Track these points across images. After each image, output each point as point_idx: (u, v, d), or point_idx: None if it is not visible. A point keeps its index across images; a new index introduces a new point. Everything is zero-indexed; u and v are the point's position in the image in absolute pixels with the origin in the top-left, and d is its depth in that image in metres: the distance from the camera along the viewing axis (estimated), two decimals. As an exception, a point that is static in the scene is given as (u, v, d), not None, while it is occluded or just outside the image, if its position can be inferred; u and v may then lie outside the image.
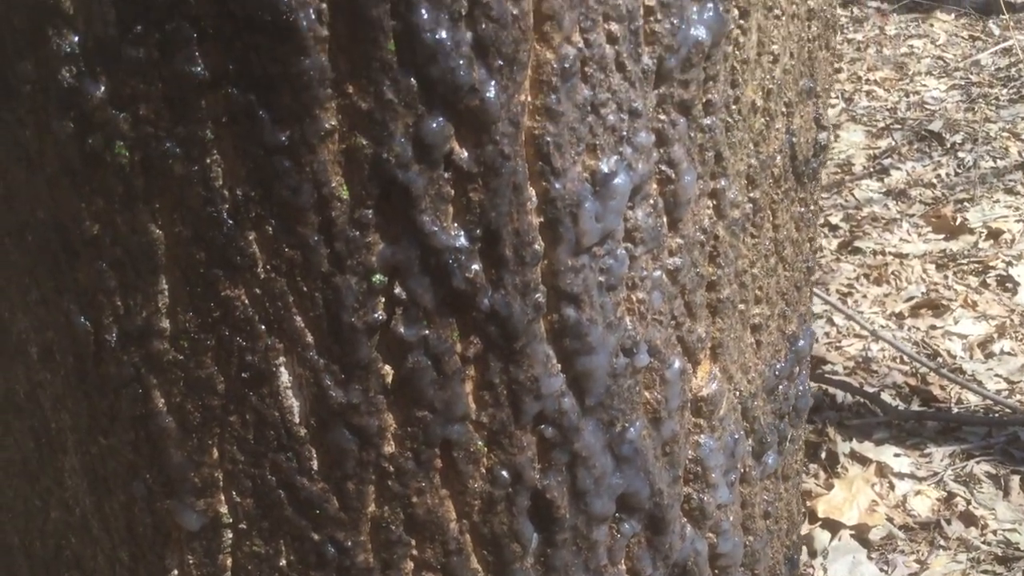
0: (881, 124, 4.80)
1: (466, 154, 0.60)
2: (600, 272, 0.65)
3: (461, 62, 0.58)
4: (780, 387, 0.83)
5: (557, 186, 0.62)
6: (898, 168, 4.40)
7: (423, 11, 0.56)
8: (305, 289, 0.60)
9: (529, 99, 0.61)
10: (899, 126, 4.70)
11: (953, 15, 5.73)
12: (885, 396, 3.12)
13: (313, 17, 0.56)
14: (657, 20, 0.64)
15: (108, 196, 0.59)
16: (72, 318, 0.63)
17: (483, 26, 0.58)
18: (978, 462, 2.37)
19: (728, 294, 0.74)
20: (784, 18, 0.73)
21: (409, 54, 0.57)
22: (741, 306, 0.76)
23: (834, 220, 4.10)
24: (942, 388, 3.18)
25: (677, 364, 0.71)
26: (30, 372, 0.68)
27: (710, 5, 0.66)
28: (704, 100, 0.68)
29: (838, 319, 3.42)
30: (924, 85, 5.04)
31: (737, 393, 0.78)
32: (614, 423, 0.68)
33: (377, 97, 0.57)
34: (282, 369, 0.62)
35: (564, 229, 0.63)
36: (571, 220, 0.63)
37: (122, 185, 0.59)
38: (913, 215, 4.05)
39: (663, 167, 0.67)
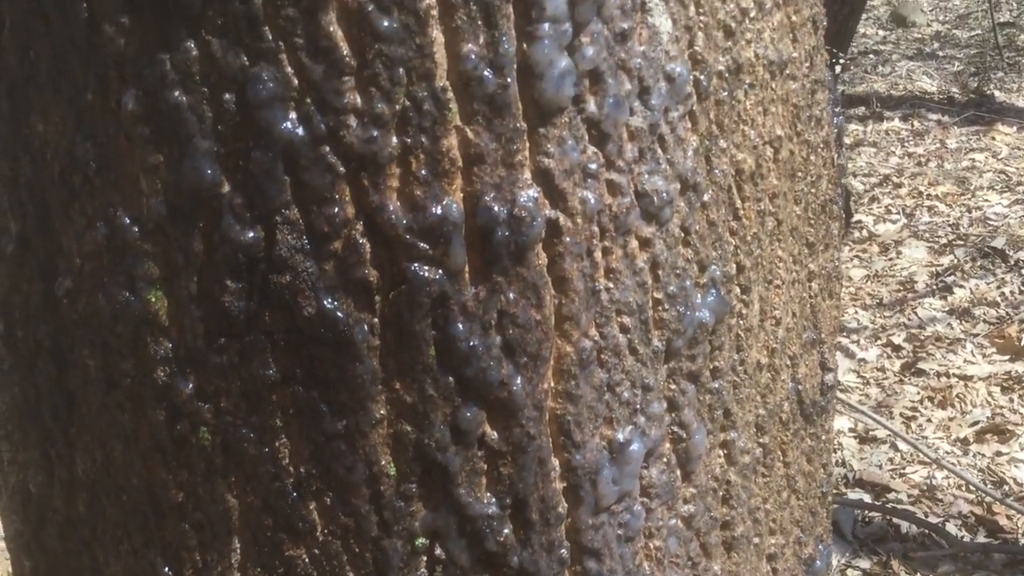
0: (943, 240, 4.82)
1: (496, 435, 0.69)
2: (619, 527, 0.74)
3: (492, 363, 0.67)
4: (800, 602, 0.89)
5: (578, 457, 0.71)
6: (961, 286, 4.40)
7: (459, 324, 0.66)
8: (357, 550, 0.70)
9: (552, 385, 0.70)
10: (962, 242, 4.71)
11: (1015, 128, 5.75)
12: (950, 527, 3.10)
13: (366, 330, 0.66)
14: (665, 309, 0.73)
15: (192, 470, 0.70)
16: (157, 568, 0.73)
17: (510, 331, 0.68)
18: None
19: (742, 531, 0.82)
20: (784, 286, 0.82)
21: (447, 358, 0.67)
22: (756, 539, 0.83)
23: (897, 340, 4.11)
24: (1009, 519, 3.15)
25: (694, 598, 0.79)
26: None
27: (713, 291, 0.75)
28: (711, 367, 0.77)
29: (902, 444, 3.41)
30: (986, 200, 5.06)
31: (755, 615, 0.85)
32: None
33: (420, 392, 0.67)
34: (337, 619, 0.71)
35: (585, 493, 0.72)
36: (591, 485, 0.72)
37: (204, 462, 0.69)
38: (977, 335, 4.05)
39: (675, 428, 0.76)
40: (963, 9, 8.35)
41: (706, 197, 0.74)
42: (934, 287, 4.49)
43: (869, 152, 5.79)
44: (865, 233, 4.96)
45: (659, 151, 0.71)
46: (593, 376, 0.71)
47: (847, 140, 5.94)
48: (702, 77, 0.72)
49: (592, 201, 0.68)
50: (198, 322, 0.67)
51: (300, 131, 0.63)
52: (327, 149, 0.64)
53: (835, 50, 5.74)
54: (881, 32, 8.02)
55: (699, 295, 0.75)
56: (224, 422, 0.68)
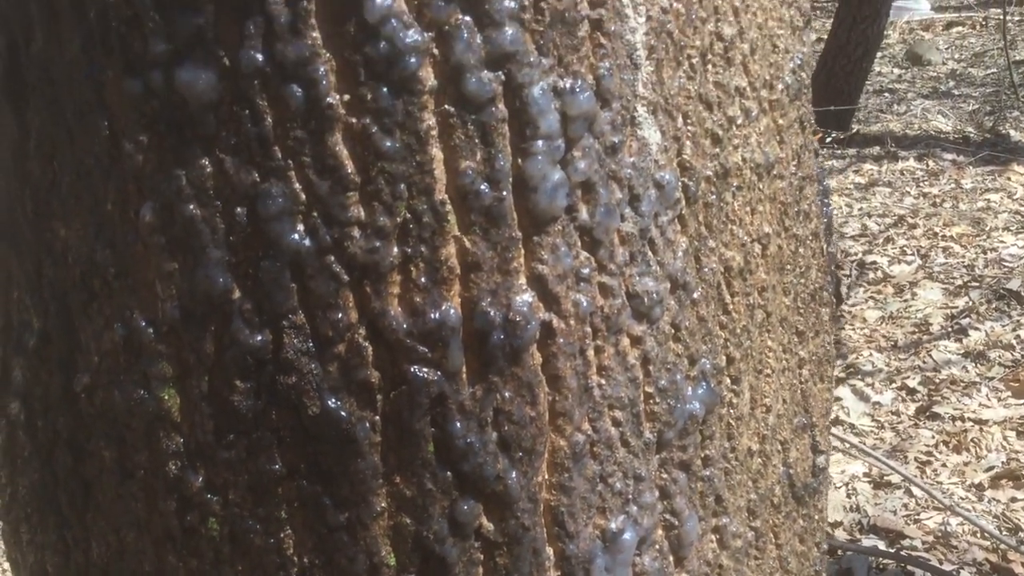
0: (958, 282, 4.82)
1: (493, 527, 0.72)
2: (612, 613, 0.76)
3: (488, 458, 0.71)
4: None
5: (572, 547, 0.74)
6: (976, 328, 4.40)
7: (457, 422, 0.70)
8: (358, 636, 0.73)
9: (546, 478, 0.73)
10: (976, 284, 4.71)
11: (1030, 168, 5.76)
12: (965, 575, 3.08)
13: (368, 427, 0.69)
14: (656, 402, 0.76)
15: (201, 558, 0.73)
16: (169, 649, 0.76)
17: (506, 428, 0.71)
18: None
19: (734, 613, 0.84)
20: (775, 375, 0.85)
21: (445, 454, 0.70)
22: (748, 620, 0.86)
23: (912, 383, 4.10)
24: (1024, 566, 3.13)
25: None
26: None
27: (703, 383, 0.78)
28: (702, 456, 0.80)
29: (917, 490, 3.41)
30: (1002, 241, 5.07)
31: None
32: None
33: (419, 486, 0.70)
34: None
35: (578, 581, 0.74)
36: (584, 574, 0.74)
37: (212, 551, 0.73)
38: (992, 378, 4.04)
39: (667, 516, 0.79)
40: (979, 47, 8.39)
41: (696, 294, 0.77)
42: (949, 329, 4.49)
43: (884, 192, 5.81)
44: (880, 274, 4.97)
45: (649, 254, 0.74)
46: (586, 468, 0.74)
47: (862, 179, 5.96)
48: (690, 183, 0.76)
49: (584, 303, 0.72)
50: (208, 419, 0.70)
51: (307, 242, 0.67)
52: (332, 259, 0.67)
53: (826, 131, 5.77)
54: (896, 70, 8.05)
55: (689, 388, 0.78)
56: (232, 513, 0.72)
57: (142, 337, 0.70)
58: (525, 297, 0.70)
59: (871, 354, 4.27)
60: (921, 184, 5.81)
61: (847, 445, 3.48)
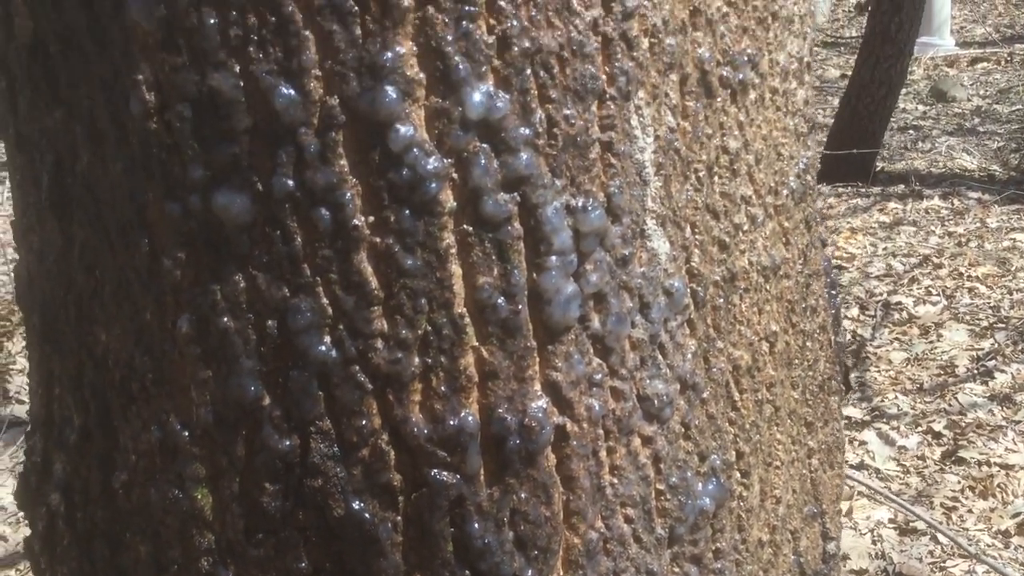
0: (984, 323, 4.80)
1: (509, 621, 0.75)
2: None
3: (505, 557, 0.74)
4: None
5: (585, 639, 0.77)
6: (1003, 371, 4.38)
7: (475, 523, 0.73)
8: None
9: (561, 574, 0.76)
10: (1003, 325, 4.69)
11: (1057, 206, 5.74)
12: (991, 624, 3.06)
13: (390, 528, 0.73)
14: (667, 499, 0.79)
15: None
16: None
17: (522, 527, 0.74)
18: None
19: None
20: (784, 466, 0.87)
21: (464, 553, 0.73)
22: None
23: (937, 427, 4.09)
24: (1051, 616, 3.10)
25: None
26: None
27: (713, 479, 0.81)
28: (713, 549, 0.83)
29: (943, 537, 3.39)
30: (1028, 281, 5.04)
31: None
32: None
33: (439, 583, 0.74)
34: None
35: (592, 673, 0.77)
36: (598, 666, 0.77)
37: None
38: (1019, 422, 4.02)
39: (679, 607, 0.81)
40: (1004, 83, 8.38)
41: (705, 394, 0.81)
42: (975, 372, 4.47)
43: (909, 231, 5.81)
44: (905, 315, 4.96)
45: (659, 357, 0.78)
46: (600, 565, 0.77)
47: (886, 218, 5.96)
48: (699, 288, 0.79)
49: (597, 407, 0.75)
50: (239, 518, 0.74)
51: (333, 353, 0.71)
52: (357, 368, 0.71)
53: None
54: (921, 107, 8.06)
55: (700, 484, 0.81)
56: (260, 602, 0.75)
57: (177, 439, 0.74)
58: (540, 403, 0.73)
59: (896, 397, 4.26)
60: (946, 223, 5.81)
61: (872, 491, 3.47)
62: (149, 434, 0.76)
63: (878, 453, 3.95)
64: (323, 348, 0.71)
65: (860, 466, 3.86)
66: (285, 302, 0.71)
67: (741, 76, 0.79)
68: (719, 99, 0.78)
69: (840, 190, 6.23)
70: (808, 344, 0.91)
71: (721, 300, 0.81)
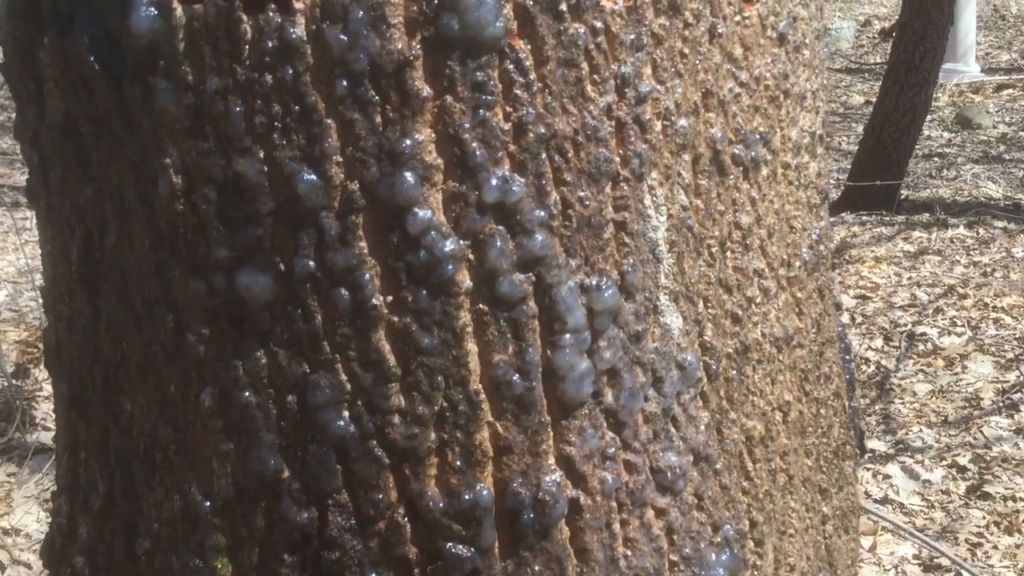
0: (1010, 355, 4.76)
1: None
2: None
3: (518, 629, 0.75)
4: None
5: None
6: (1029, 403, 4.33)
7: (488, 595, 0.74)
8: None
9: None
10: (1029, 357, 4.65)
11: (1083, 236, 5.69)
12: (1014, 666, 3.03)
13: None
14: (680, 570, 0.80)
15: None
16: None
17: (535, 600, 0.75)
18: None
19: None
20: (798, 534, 0.88)
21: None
22: None
23: (962, 461, 4.05)
24: (1077, 659, 3.07)
25: None
26: None
27: (727, 549, 0.82)
28: (727, 618, 0.83)
29: (967, 574, 3.36)
30: (1054, 312, 5.00)
31: None
32: None
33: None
34: None
35: None
36: None
37: None
38: (1045, 456, 3.98)
39: (692, 676, 0.82)
40: (1030, 110, 8.33)
41: (718, 465, 0.82)
42: (1000, 404, 4.43)
43: (933, 261, 5.78)
44: (930, 346, 4.93)
45: (672, 430, 0.79)
46: (613, 635, 0.78)
47: (911, 247, 5.93)
48: (711, 361, 0.80)
49: (610, 480, 0.76)
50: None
51: (351, 428, 0.73)
52: (374, 443, 0.73)
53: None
54: (946, 134, 8.02)
55: (713, 554, 0.82)
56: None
57: (199, 509, 0.76)
58: (554, 477, 0.75)
59: (920, 430, 4.23)
60: (971, 252, 5.77)
61: (896, 526, 3.45)
62: (171, 503, 0.77)
63: (902, 487, 3.92)
64: (341, 423, 0.73)
65: (884, 500, 3.84)
66: (305, 378, 0.73)
67: (753, 154, 0.80)
68: (731, 177, 0.79)
69: (864, 218, 6.20)
70: (822, 411, 0.91)
71: (734, 372, 0.82)
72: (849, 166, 6.46)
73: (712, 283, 0.80)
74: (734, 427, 0.83)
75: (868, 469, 3.93)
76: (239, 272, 0.72)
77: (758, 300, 0.83)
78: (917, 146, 6.65)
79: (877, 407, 4.52)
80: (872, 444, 4.08)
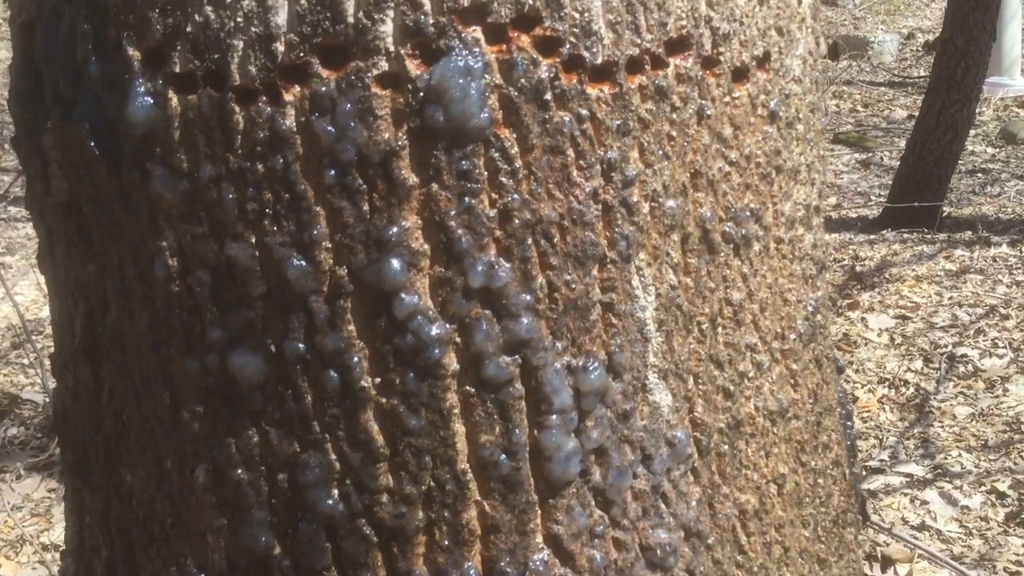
0: (1054, 376, 4.67)
1: None
2: None
3: None
4: None
5: None
6: (1071, 429, 4.25)
7: (475, 672, 0.75)
8: None
9: None
10: (1073, 379, 4.56)
11: None
12: None
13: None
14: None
15: None
16: None
17: (523, 676, 0.76)
18: None
19: None
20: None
21: None
22: None
23: (1001, 487, 3.98)
24: None
25: None
26: None
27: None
28: None
29: (1004, 606, 3.30)
30: (1100, 333, 4.90)
31: None
32: None
33: None
34: None
35: None
36: None
37: None
38: (1088, 484, 3.90)
39: None
40: (1078, 125, 8.17)
41: (710, 540, 0.82)
42: (1042, 429, 4.35)
43: (975, 280, 5.68)
44: (970, 368, 4.85)
45: (662, 507, 0.79)
46: None
47: (952, 266, 5.84)
48: (703, 437, 0.81)
49: (599, 558, 0.77)
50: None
51: (340, 507, 0.74)
52: (363, 522, 0.74)
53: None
54: (990, 150, 7.89)
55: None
56: None
57: (195, 581, 0.78)
58: (541, 555, 0.75)
59: (960, 454, 4.16)
60: (1014, 272, 5.67)
61: (931, 555, 3.40)
62: (168, 574, 0.79)
63: (940, 514, 3.86)
64: (331, 502, 0.74)
65: (921, 527, 3.79)
66: (295, 457, 0.74)
67: (744, 231, 0.80)
68: (722, 254, 0.80)
69: (905, 236, 6.12)
70: (820, 481, 0.91)
71: (726, 447, 0.82)
72: (890, 182, 6.38)
73: (703, 359, 0.80)
74: (727, 501, 0.83)
75: (905, 494, 3.88)
76: (232, 353, 0.73)
77: (751, 374, 0.83)
78: (960, 162, 6.55)
79: (916, 431, 4.46)
80: (910, 469, 4.02)
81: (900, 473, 4.13)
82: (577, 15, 0.70)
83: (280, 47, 0.68)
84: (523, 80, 0.70)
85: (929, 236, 6.20)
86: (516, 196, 0.71)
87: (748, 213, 0.80)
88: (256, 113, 0.69)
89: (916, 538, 3.51)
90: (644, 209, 0.75)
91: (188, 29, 0.69)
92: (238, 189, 0.71)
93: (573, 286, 0.74)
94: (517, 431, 0.74)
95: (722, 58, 0.76)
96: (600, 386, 0.75)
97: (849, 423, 0.96)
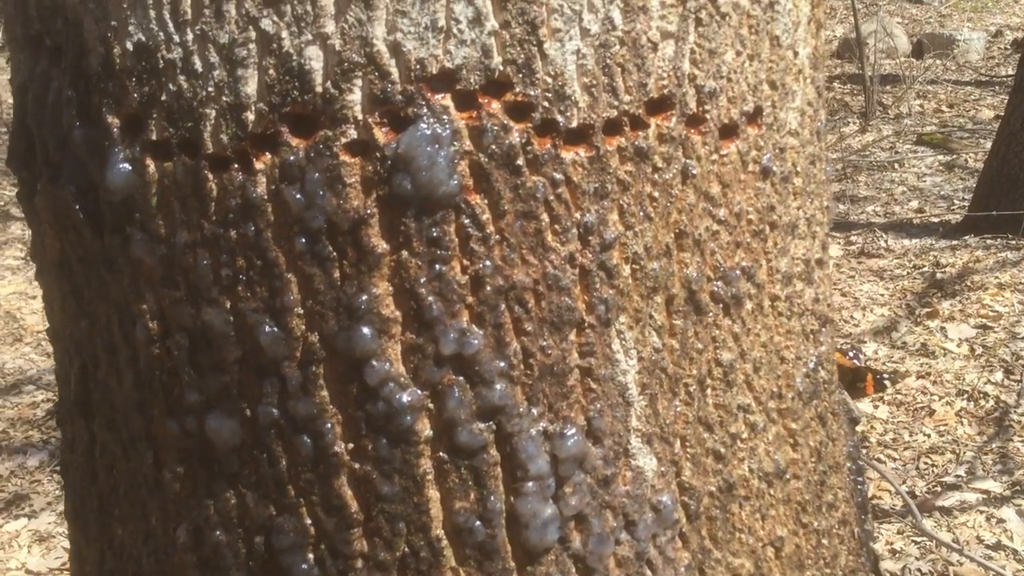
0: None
1: None
2: None
3: None
4: None
5: None
6: None
7: None
8: None
9: None
10: None
11: None
12: None
13: None
14: None
15: None
16: None
17: None
18: None
19: None
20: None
21: None
22: None
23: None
24: None
25: None
26: None
27: None
28: None
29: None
30: None
31: None
32: None
33: None
34: None
35: None
36: None
37: None
38: None
39: None
40: None
41: (700, 606, 0.79)
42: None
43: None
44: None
45: (648, 573, 0.77)
46: None
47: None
48: (691, 501, 0.78)
49: (579, 626, 0.75)
50: None
51: (316, 571, 0.74)
52: (338, 586, 0.74)
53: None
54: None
55: None
56: None
57: (179, 638, 0.79)
58: (519, 623, 0.74)
59: (1041, 501, 4.01)
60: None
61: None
62: (156, 629, 0.80)
63: (1016, 533, 3.73)
64: (305, 566, 0.74)
65: (996, 546, 3.66)
66: (271, 520, 0.74)
67: (734, 290, 0.78)
68: (710, 314, 0.77)
69: (988, 242, 5.92)
70: (824, 542, 0.88)
71: (717, 510, 0.80)
72: (974, 185, 6.18)
73: (691, 422, 0.78)
74: (719, 566, 0.80)
75: (981, 512, 3.75)
76: (208, 416, 0.74)
77: (744, 435, 0.80)
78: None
79: (994, 445, 4.31)
80: (987, 485, 3.89)
81: (976, 489, 4.00)
82: (550, 79, 0.69)
83: (250, 116, 0.68)
84: (494, 146, 0.68)
85: (1013, 242, 6.00)
86: (488, 262, 0.70)
87: (739, 272, 0.78)
88: (228, 181, 0.70)
89: (990, 558, 3.40)
90: (624, 272, 0.73)
91: (163, 98, 0.70)
92: (212, 255, 0.71)
93: (549, 351, 0.72)
94: (492, 498, 0.73)
95: (708, 116, 0.74)
96: (578, 452, 0.74)
97: (860, 479, 0.93)
